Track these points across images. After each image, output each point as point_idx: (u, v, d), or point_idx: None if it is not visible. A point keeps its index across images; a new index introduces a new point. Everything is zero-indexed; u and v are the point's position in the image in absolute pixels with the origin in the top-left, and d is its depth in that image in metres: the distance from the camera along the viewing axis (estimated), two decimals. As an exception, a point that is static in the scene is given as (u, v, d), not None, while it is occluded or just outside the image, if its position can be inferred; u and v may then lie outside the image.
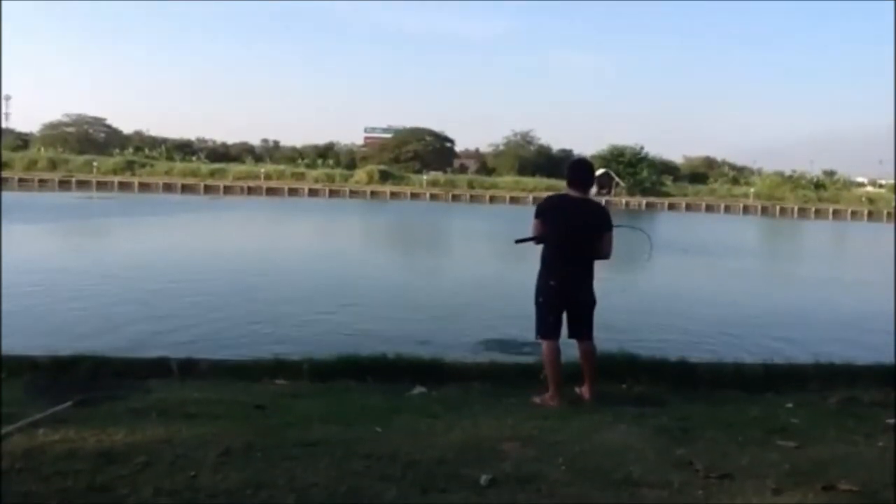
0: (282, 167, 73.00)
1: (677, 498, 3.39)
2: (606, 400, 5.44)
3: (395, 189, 66.50)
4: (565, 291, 5.52)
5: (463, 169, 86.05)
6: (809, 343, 10.06)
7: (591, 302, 5.60)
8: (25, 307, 11.28)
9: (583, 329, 5.57)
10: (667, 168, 78.11)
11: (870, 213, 63.99)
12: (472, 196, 66.16)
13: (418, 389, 5.79)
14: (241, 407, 4.86)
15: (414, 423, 4.52)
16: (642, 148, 72.60)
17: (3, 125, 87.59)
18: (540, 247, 5.65)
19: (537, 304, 5.59)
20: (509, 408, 5.17)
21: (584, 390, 5.52)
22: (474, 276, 18.19)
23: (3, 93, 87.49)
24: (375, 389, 5.74)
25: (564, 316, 5.59)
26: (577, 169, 5.87)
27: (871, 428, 4.74)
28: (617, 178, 69.30)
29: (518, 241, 5.69)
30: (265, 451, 3.81)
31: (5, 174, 60.30)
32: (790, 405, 5.50)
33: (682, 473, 3.73)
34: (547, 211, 5.64)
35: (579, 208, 5.61)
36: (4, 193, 42.87)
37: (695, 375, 6.26)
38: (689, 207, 65.54)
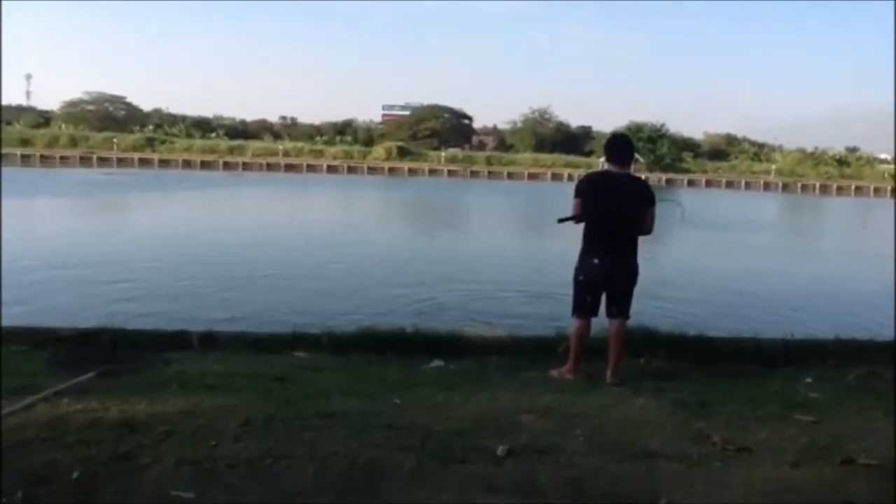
0: (300, 144, 72.98)
1: (695, 471, 3.39)
2: (625, 374, 5.42)
3: (413, 166, 66.35)
4: (608, 270, 5.40)
5: (481, 146, 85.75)
6: (830, 318, 10.02)
7: (631, 281, 5.46)
8: (46, 281, 11.41)
9: (619, 308, 5.47)
10: (687, 144, 77.38)
11: (893, 190, 63.15)
12: (490, 173, 65.89)
13: (436, 363, 5.82)
14: (261, 379, 4.90)
15: (432, 395, 4.54)
16: (663, 124, 71.96)
17: (25, 103, 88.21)
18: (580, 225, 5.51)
19: (576, 281, 5.49)
20: (527, 381, 5.18)
21: (607, 373, 5.39)
22: (493, 251, 18.19)
23: (25, 71, 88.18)
24: (394, 362, 5.77)
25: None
26: (615, 144, 5.72)
27: (891, 403, 4.71)
28: (636, 155, 68.81)
29: (561, 221, 5.55)
30: (285, 422, 3.85)
31: (28, 151, 60.80)
32: (810, 380, 5.48)
33: (700, 447, 3.73)
34: (587, 189, 5.51)
35: (620, 184, 5.49)
36: (28, 170, 43.33)
37: (714, 350, 6.24)
38: (709, 184, 64.96)
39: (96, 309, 9.25)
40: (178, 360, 5.46)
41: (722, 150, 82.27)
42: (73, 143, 67.60)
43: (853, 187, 64.37)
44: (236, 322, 8.55)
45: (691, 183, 64.72)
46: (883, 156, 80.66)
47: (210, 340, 6.12)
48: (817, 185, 65.08)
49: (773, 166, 70.90)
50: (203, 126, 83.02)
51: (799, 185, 65.17)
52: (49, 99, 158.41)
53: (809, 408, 4.58)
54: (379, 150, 70.39)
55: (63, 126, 73.92)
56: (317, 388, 4.70)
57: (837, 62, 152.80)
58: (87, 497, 2.89)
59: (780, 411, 4.46)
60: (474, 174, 64.78)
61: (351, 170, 64.34)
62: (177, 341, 6.05)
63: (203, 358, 5.63)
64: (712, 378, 5.55)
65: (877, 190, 63.72)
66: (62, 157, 61.67)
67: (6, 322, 6.31)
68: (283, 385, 4.76)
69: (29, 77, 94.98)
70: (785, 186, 64.75)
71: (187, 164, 62.84)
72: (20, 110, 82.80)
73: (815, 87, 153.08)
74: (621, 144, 5.78)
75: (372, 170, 64.70)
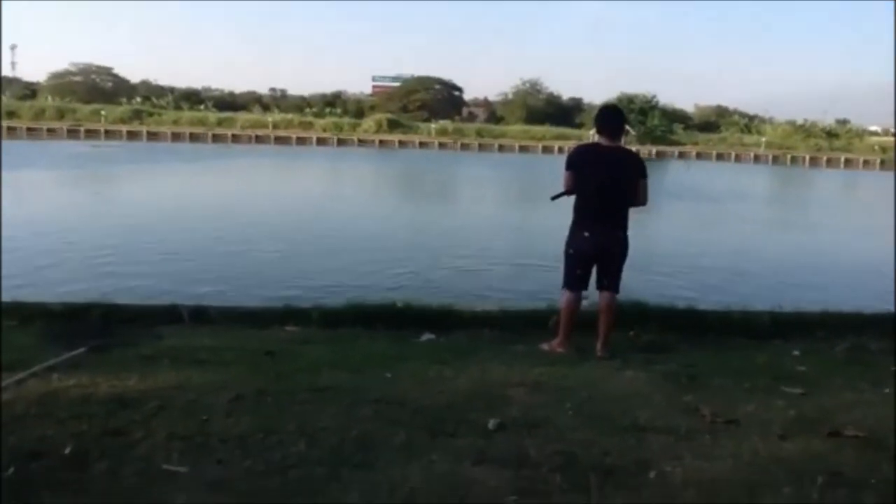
0: (289, 116, 72.48)
1: (684, 443, 3.42)
2: (615, 347, 5.45)
3: (404, 138, 66.03)
4: (598, 243, 5.41)
5: (472, 118, 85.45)
6: (818, 291, 10.08)
7: (622, 254, 5.47)
8: (37, 255, 11.36)
9: (609, 281, 5.49)
10: (678, 117, 77.26)
11: (882, 163, 63.19)
12: (480, 145, 65.64)
13: (426, 336, 5.83)
14: (252, 353, 4.91)
15: (422, 369, 4.55)
16: (654, 96, 71.73)
17: (11, 74, 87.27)
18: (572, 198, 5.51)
19: (567, 255, 5.50)
20: (517, 355, 5.20)
21: (597, 346, 5.42)
22: (483, 224, 18.19)
23: (10, 42, 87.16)
24: (384, 336, 5.78)
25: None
26: (605, 116, 5.68)
27: (878, 375, 4.76)
28: (627, 126, 68.44)
29: (554, 198, 5.55)
30: (275, 396, 3.86)
31: (14, 123, 60.17)
32: (797, 353, 5.53)
33: (688, 419, 3.77)
34: (577, 162, 5.49)
35: (611, 157, 5.47)
36: (15, 142, 42.96)
37: (703, 323, 6.27)
38: (699, 156, 64.89)
39: (86, 282, 9.23)
40: (168, 334, 5.46)
41: (713, 123, 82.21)
42: (61, 115, 66.93)
43: (842, 160, 64.37)
44: (224, 295, 8.55)
45: (682, 155, 64.68)
46: (873, 128, 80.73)
47: (200, 315, 6.11)
48: (807, 157, 65.05)
49: (763, 138, 70.85)
50: (191, 98, 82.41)
51: (788, 157, 65.17)
52: (35, 70, 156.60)
53: (797, 380, 4.61)
54: (369, 123, 69.99)
55: (50, 98, 73.18)
56: (307, 362, 4.71)
57: (829, 35, 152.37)
58: (79, 472, 2.90)
59: (768, 384, 4.49)
60: (465, 146, 64.51)
61: (341, 142, 63.96)
62: (167, 316, 6.03)
63: (194, 332, 5.63)
64: (701, 351, 5.59)
65: (866, 162, 63.77)
66: (49, 130, 61.07)
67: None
68: (274, 359, 4.78)
69: (14, 48, 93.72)
70: (775, 159, 64.76)
71: (176, 136, 62.32)
72: (6, 82, 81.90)
73: (808, 60, 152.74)
74: (612, 116, 5.75)
75: (362, 142, 64.36)
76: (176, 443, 3.20)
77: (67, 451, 3.06)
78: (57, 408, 3.55)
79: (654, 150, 63.29)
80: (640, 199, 5.47)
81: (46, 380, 3.98)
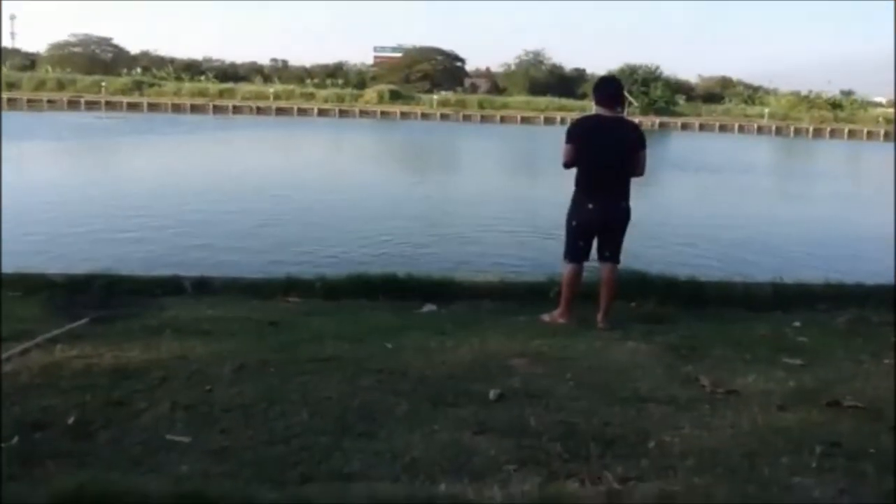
0: (291, 87, 72.01)
1: (684, 413, 3.44)
2: (616, 318, 5.45)
3: (406, 109, 65.60)
4: (603, 215, 5.39)
5: (474, 89, 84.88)
6: (820, 262, 10.08)
7: (623, 225, 5.45)
8: (41, 227, 11.37)
9: (610, 252, 5.48)
10: (681, 87, 76.69)
11: (886, 134, 62.75)
12: (482, 116, 65.29)
13: (428, 307, 5.84)
14: (255, 324, 4.93)
15: (424, 340, 4.57)
16: (657, 67, 71.19)
17: (11, 45, 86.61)
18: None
19: (569, 226, 5.48)
20: (518, 325, 5.22)
21: (598, 317, 5.41)
22: (484, 195, 18.16)
23: (9, 13, 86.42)
24: (386, 307, 5.79)
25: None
26: (604, 87, 5.65)
27: (878, 347, 4.77)
28: (630, 98, 68.04)
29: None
30: (279, 366, 3.89)
31: (14, 95, 59.90)
32: (798, 324, 5.53)
33: (688, 390, 3.79)
34: (578, 134, 5.46)
35: (611, 128, 5.45)
36: (15, 114, 42.81)
37: (704, 294, 6.28)
38: (702, 127, 64.47)
39: (88, 253, 9.26)
40: (171, 305, 5.48)
41: (716, 94, 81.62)
42: (61, 86, 66.58)
43: (846, 131, 63.97)
44: (227, 266, 8.56)
45: (685, 126, 64.34)
46: (878, 99, 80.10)
47: (203, 286, 6.12)
48: (810, 128, 64.66)
49: (767, 110, 70.39)
50: (192, 68, 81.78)
51: (792, 128, 64.78)
52: (34, 41, 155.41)
53: (797, 351, 4.63)
54: (371, 94, 69.53)
55: (49, 69, 72.74)
56: (310, 332, 4.73)
57: (835, 4, 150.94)
58: (83, 442, 2.92)
59: (769, 355, 4.51)
60: (467, 118, 64.15)
61: (342, 113, 63.59)
62: (170, 287, 6.04)
63: (196, 303, 5.64)
64: (702, 322, 5.59)
65: (870, 134, 63.36)
66: (49, 101, 60.79)
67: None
68: (277, 330, 4.80)
69: (13, 18, 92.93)
70: (778, 130, 64.38)
71: (177, 107, 62.01)
72: (5, 53, 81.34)
73: (812, 31, 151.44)
74: (610, 87, 5.72)
75: (364, 113, 64.01)
76: (179, 413, 3.23)
77: (71, 421, 3.08)
78: (60, 378, 3.58)
79: (657, 121, 62.94)
80: (638, 169, 5.46)
81: (49, 350, 4.00)
